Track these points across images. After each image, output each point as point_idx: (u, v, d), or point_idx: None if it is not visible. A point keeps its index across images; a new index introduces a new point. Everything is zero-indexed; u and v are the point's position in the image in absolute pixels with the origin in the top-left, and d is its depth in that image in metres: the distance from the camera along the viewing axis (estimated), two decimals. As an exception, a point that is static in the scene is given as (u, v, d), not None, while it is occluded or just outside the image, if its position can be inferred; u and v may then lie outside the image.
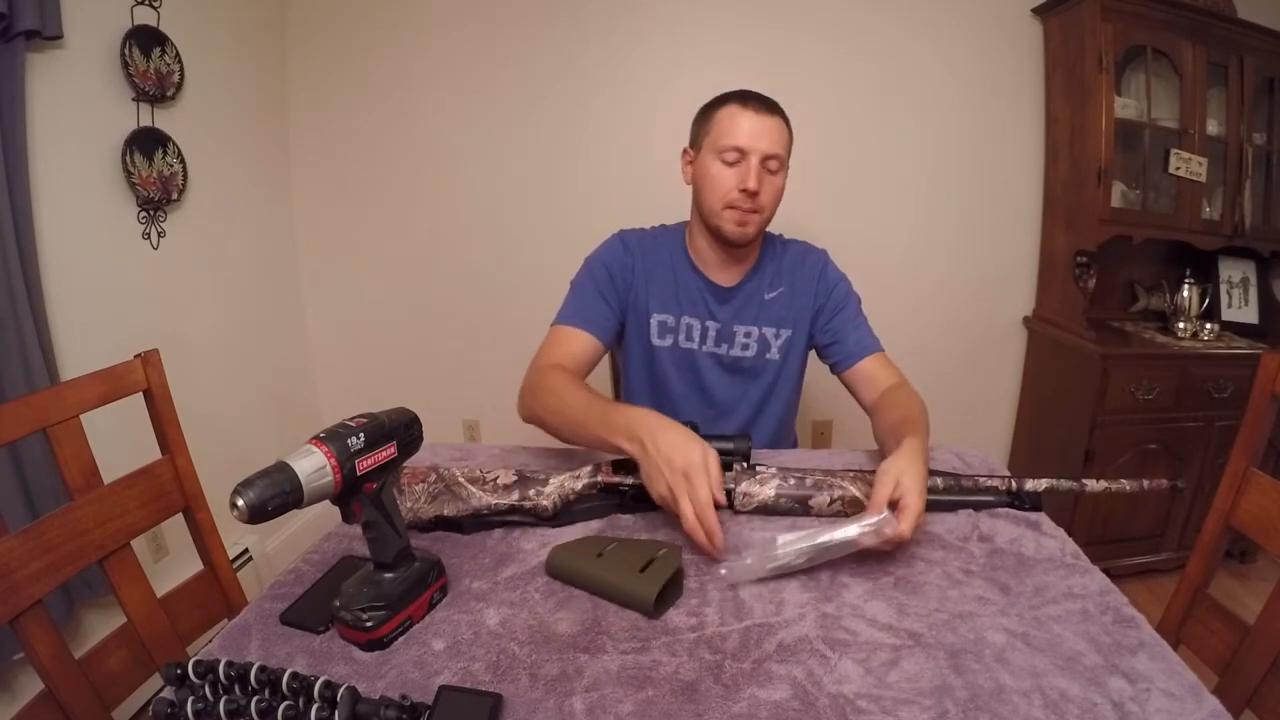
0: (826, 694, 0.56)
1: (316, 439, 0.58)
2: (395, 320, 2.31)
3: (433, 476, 0.84)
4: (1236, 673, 0.79)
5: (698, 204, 1.11)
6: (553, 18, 2.03)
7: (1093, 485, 0.82)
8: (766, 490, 0.84)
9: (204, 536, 0.93)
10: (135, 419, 0.90)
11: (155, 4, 1.59)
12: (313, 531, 1.29)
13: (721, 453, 0.84)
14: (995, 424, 2.29)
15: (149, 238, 1.63)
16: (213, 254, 1.84)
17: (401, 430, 0.65)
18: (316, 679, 0.53)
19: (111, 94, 1.52)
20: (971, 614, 0.67)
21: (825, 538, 0.70)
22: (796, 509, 0.85)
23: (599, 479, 0.86)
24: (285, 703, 0.52)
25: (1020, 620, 0.66)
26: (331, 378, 2.37)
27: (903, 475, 0.74)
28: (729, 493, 0.85)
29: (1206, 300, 1.98)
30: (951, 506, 0.86)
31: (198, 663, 0.55)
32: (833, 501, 0.84)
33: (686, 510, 0.72)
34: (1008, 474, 0.91)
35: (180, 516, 0.92)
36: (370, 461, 0.61)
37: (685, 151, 1.13)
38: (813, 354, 1.23)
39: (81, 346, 1.44)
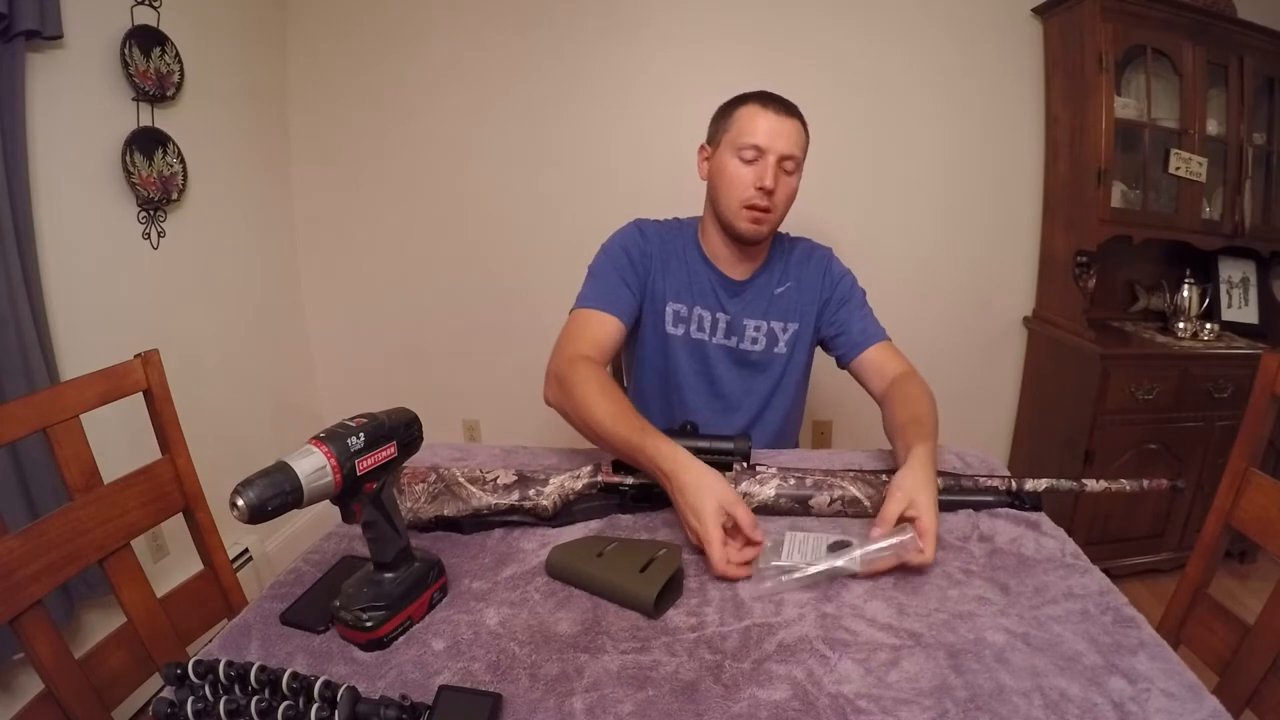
0: (826, 694, 0.56)
1: (316, 439, 0.58)
2: (395, 320, 2.31)
3: (433, 476, 0.84)
4: (1236, 673, 0.79)
5: (713, 200, 1.12)
6: (553, 17, 2.03)
7: (1093, 485, 0.82)
8: (766, 490, 0.84)
9: (204, 536, 0.93)
10: (135, 419, 0.90)
11: (155, 4, 1.59)
12: (313, 531, 1.29)
13: (721, 453, 0.85)
14: (995, 424, 2.29)
15: (149, 238, 1.63)
16: (213, 254, 1.84)
17: (401, 430, 0.65)
18: (316, 679, 0.53)
19: (111, 94, 1.52)
20: (971, 614, 0.67)
21: (851, 557, 0.71)
22: (796, 509, 0.85)
23: (599, 479, 0.86)
24: (285, 703, 0.52)
25: (1020, 620, 0.66)
26: (331, 378, 2.37)
27: (917, 493, 0.74)
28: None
29: (1206, 300, 1.98)
30: (951, 506, 0.86)
31: (198, 663, 0.55)
32: (833, 501, 0.84)
33: (715, 556, 0.72)
34: (1008, 474, 0.91)
35: (180, 516, 0.92)
36: (370, 461, 0.61)
37: (702, 147, 1.14)
38: (819, 353, 1.23)
39: (81, 346, 1.44)
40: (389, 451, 0.63)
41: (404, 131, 2.14)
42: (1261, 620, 0.78)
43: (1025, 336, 2.19)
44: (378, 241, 2.24)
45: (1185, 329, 1.93)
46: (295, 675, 0.53)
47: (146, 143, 1.59)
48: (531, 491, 0.83)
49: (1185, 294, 1.95)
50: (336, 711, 0.51)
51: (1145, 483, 0.83)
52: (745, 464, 0.86)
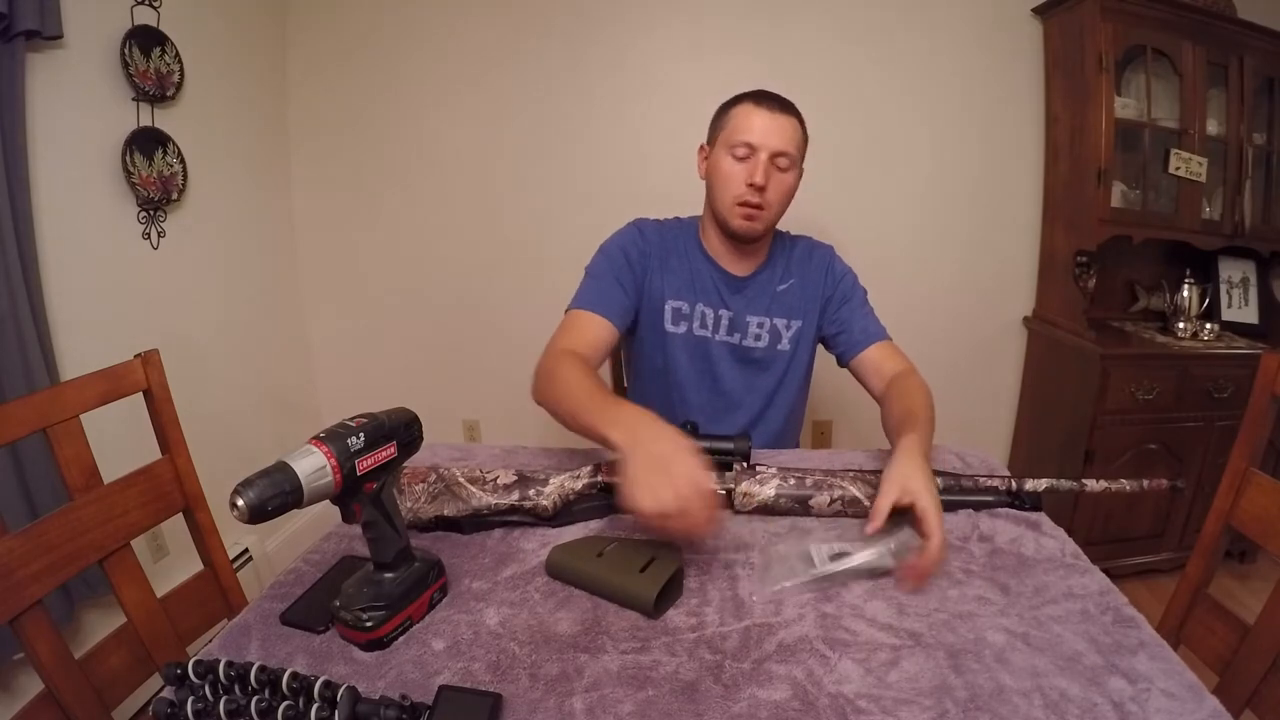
0: (826, 694, 0.56)
1: (316, 439, 0.58)
2: (395, 320, 2.31)
3: (433, 476, 0.84)
4: (1236, 673, 0.79)
5: (710, 199, 1.13)
6: (554, 16, 2.03)
7: (1093, 485, 0.82)
8: (766, 490, 0.84)
9: (204, 536, 0.93)
10: (135, 419, 0.90)
11: (155, 4, 1.59)
12: (313, 531, 1.29)
13: (721, 453, 0.85)
14: (995, 424, 2.29)
15: (149, 238, 1.63)
16: (213, 254, 1.84)
17: (401, 430, 0.65)
18: (316, 679, 0.53)
19: (111, 94, 1.52)
20: (971, 614, 0.67)
21: (857, 563, 0.71)
22: (796, 509, 0.85)
23: (599, 479, 0.86)
24: (285, 703, 0.52)
25: (1020, 620, 0.66)
26: (331, 378, 2.37)
27: (908, 480, 0.74)
28: (729, 493, 0.85)
29: (1206, 300, 1.98)
30: (951, 506, 0.86)
31: (198, 663, 0.55)
32: (833, 501, 0.84)
33: (668, 496, 0.65)
34: (1008, 474, 0.91)
35: (180, 516, 0.92)
36: (370, 461, 0.61)
37: (702, 148, 1.15)
38: (820, 352, 1.23)
39: (81, 346, 1.44)
40: (389, 451, 0.63)
41: (404, 131, 2.14)
42: (1261, 620, 0.78)
43: (1025, 336, 2.19)
44: (378, 241, 2.24)
45: (1185, 329, 1.93)
46: (295, 675, 0.53)
47: (146, 143, 1.59)
48: (531, 491, 0.83)
49: (1185, 294, 1.95)
50: (336, 711, 0.51)
51: (1145, 483, 0.83)
52: (745, 464, 0.86)
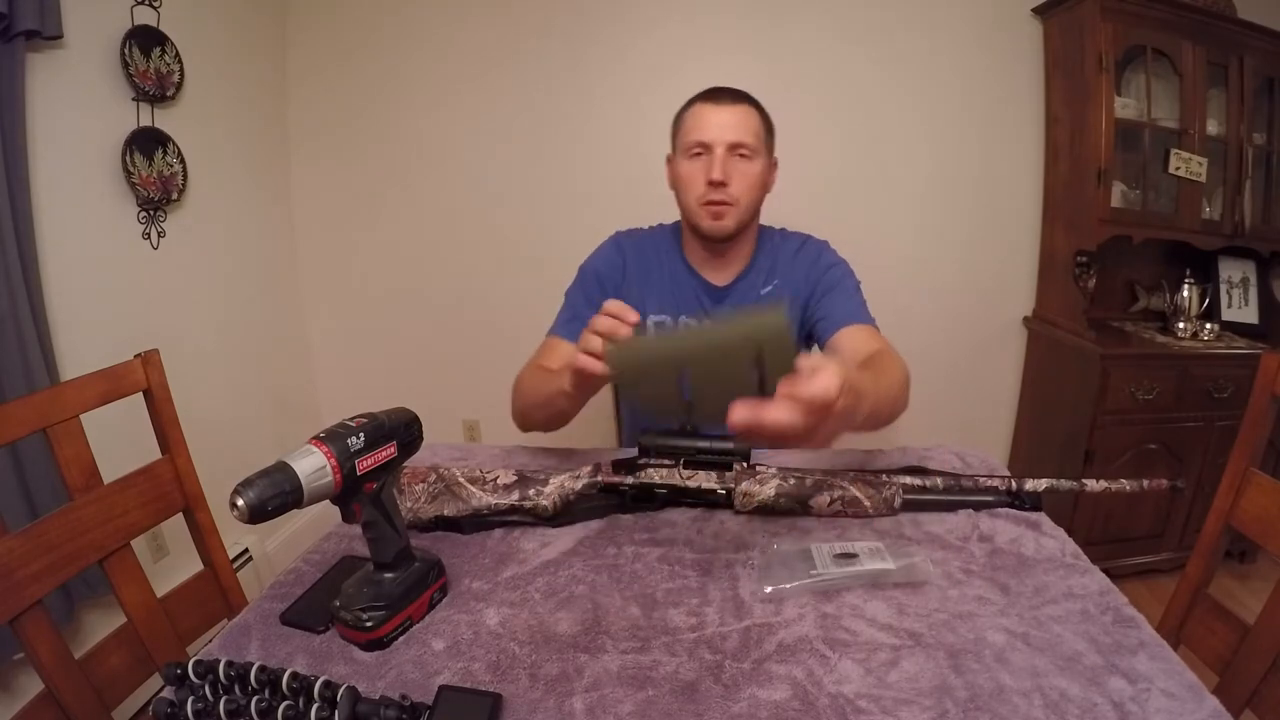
0: (826, 694, 0.56)
1: (316, 439, 0.58)
2: (395, 320, 2.31)
3: (433, 476, 0.84)
4: (1236, 673, 0.79)
5: (679, 206, 1.12)
6: (554, 17, 2.03)
7: (1093, 485, 0.82)
8: (766, 490, 0.84)
9: (204, 536, 0.93)
10: (135, 419, 0.90)
11: (155, 4, 1.59)
12: (313, 531, 1.29)
13: (721, 453, 0.85)
14: (995, 424, 2.29)
15: (149, 238, 1.63)
16: (213, 254, 1.84)
17: (401, 430, 0.65)
18: (316, 679, 0.53)
19: (111, 94, 1.52)
20: (971, 614, 0.67)
21: (863, 569, 0.71)
22: (796, 509, 0.85)
23: (599, 479, 0.86)
24: (285, 703, 0.52)
25: (1020, 620, 0.66)
26: (331, 378, 2.37)
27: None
28: (729, 492, 0.85)
29: (1206, 300, 1.98)
30: (951, 506, 0.86)
31: (198, 663, 0.55)
32: (833, 501, 0.84)
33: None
34: (1008, 474, 0.91)
35: (180, 516, 0.92)
36: (370, 461, 0.61)
37: (668, 158, 1.13)
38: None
39: (81, 346, 1.44)
40: (389, 451, 0.63)
41: (404, 131, 2.14)
42: (1261, 620, 0.78)
43: (1025, 336, 2.19)
44: (378, 241, 2.24)
45: (1185, 329, 1.93)
46: (295, 675, 0.53)
47: (146, 143, 1.59)
48: (531, 491, 0.83)
49: (1185, 294, 1.95)
50: (336, 711, 0.51)
51: (1145, 483, 0.82)
52: (745, 464, 0.86)
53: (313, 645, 0.64)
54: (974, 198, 2.11)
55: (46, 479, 1.27)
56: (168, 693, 0.55)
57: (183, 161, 1.68)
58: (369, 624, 0.62)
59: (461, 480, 0.84)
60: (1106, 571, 0.75)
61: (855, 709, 0.55)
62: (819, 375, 0.48)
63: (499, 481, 0.84)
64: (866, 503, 0.83)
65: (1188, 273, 1.97)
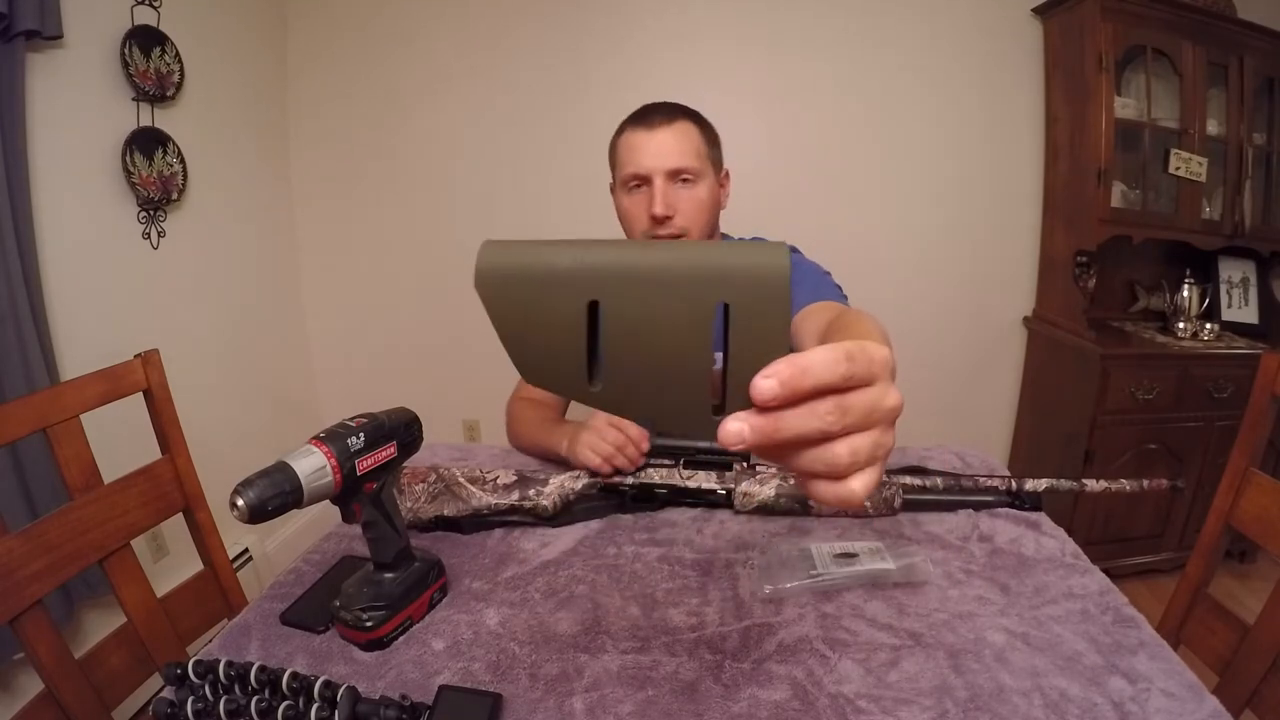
0: (826, 694, 0.56)
1: (316, 439, 0.58)
2: (395, 320, 2.31)
3: (433, 476, 0.84)
4: (1236, 673, 0.79)
5: None
6: (555, 19, 2.03)
7: (1093, 485, 0.82)
8: (766, 490, 0.84)
9: (204, 536, 0.93)
10: (135, 419, 0.90)
11: (155, 4, 1.59)
12: (313, 531, 1.30)
13: (721, 453, 0.85)
14: (995, 424, 2.29)
15: (149, 238, 1.63)
16: (213, 254, 1.84)
17: (401, 430, 0.65)
18: (316, 679, 0.53)
19: (111, 94, 1.52)
20: (971, 614, 0.67)
21: (862, 569, 0.71)
22: (796, 509, 0.85)
23: (599, 479, 0.86)
24: (285, 703, 0.52)
25: (1020, 620, 0.66)
26: (331, 378, 2.37)
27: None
28: (729, 492, 0.85)
29: (1206, 300, 1.98)
30: (951, 506, 0.86)
31: (198, 663, 0.55)
32: (833, 501, 0.84)
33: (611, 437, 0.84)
34: (1008, 474, 0.91)
35: (180, 516, 0.92)
36: (370, 461, 0.61)
37: (611, 188, 1.06)
38: None
39: (81, 346, 1.44)
40: (389, 451, 0.63)
41: (404, 131, 2.14)
42: (1261, 620, 0.78)
43: (1025, 336, 2.19)
44: (378, 241, 2.24)
45: (1185, 329, 1.93)
46: (295, 675, 0.53)
47: (146, 143, 1.59)
48: (531, 491, 0.83)
49: (1185, 294, 1.95)
50: (336, 711, 0.51)
51: (1145, 483, 0.82)
52: (745, 464, 0.86)
53: (313, 645, 0.64)
54: (974, 198, 2.11)
55: (46, 479, 1.27)
56: (168, 693, 0.55)
57: (183, 161, 1.68)
58: (369, 624, 0.62)
59: (461, 480, 0.84)
60: (1106, 571, 0.75)
61: (855, 709, 0.55)
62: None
63: (499, 481, 0.84)
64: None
65: (1188, 273, 1.97)
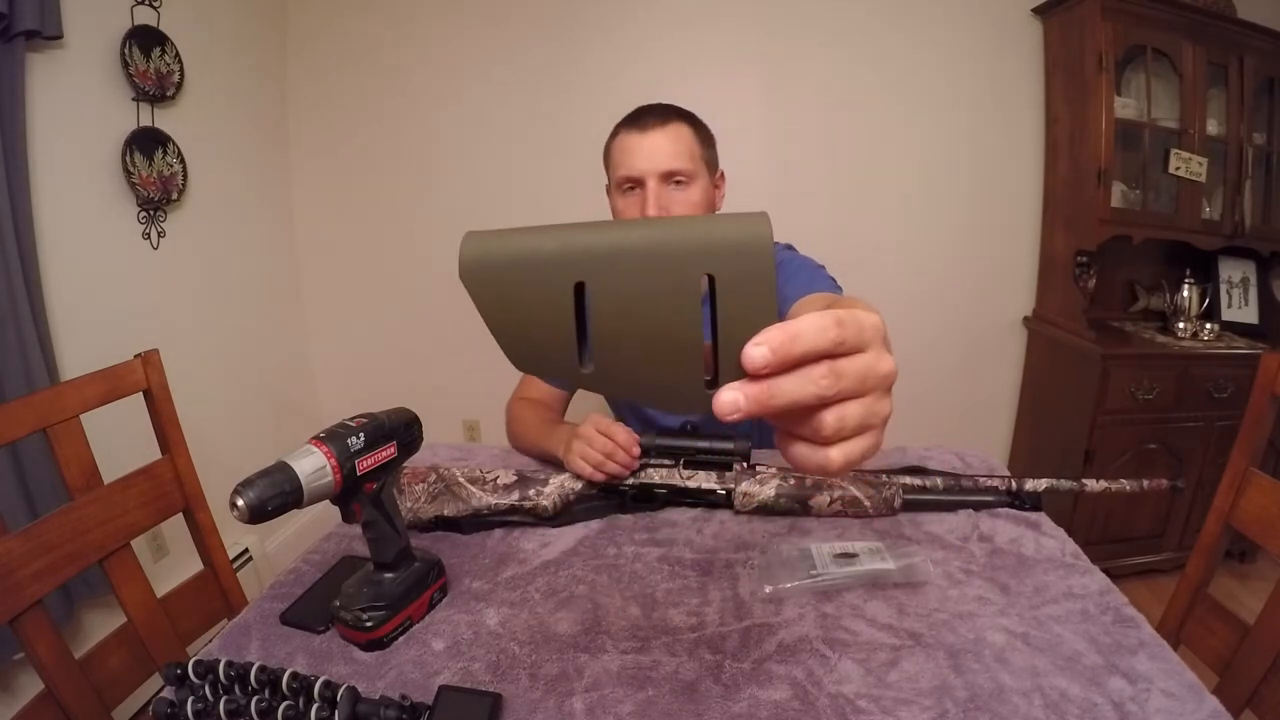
0: (826, 694, 0.56)
1: (316, 439, 0.58)
2: (395, 320, 2.31)
3: (433, 476, 0.84)
4: (1236, 673, 0.79)
5: None
6: (555, 20, 2.03)
7: (1093, 485, 0.82)
8: (766, 490, 0.84)
9: (204, 536, 0.93)
10: (135, 419, 0.90)
11: (155, 4, 1.59)
12: (313, 531, 1.30)
13: (721, 453, 0.84)
14: (995, 424, 2.29)
15: (149, 238, 1.63)
16: (213, 254, 1.84)
17: (401, 430, 0.65)
18: (316, 679, 0.53)
19: (111, 94, 1.52)
20: (971, 614, 0.67)
21: (862, 569, 0.71)
22: (796, 509, 0.85)
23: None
24: (285, 703, 0.52)
25: (1020, 620, 0.66)
26: (331, 378, 2.37)
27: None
28: (729, 492, 0.85)
29: (1206, 300, 1.98)
30: (951, 506, 0.86)
31: (198, 663, 0.55)
32: (832, 501, 0.84)
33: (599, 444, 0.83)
34: (1008, 474, 0.91)
35: (180, 516, 0.92)
36: (370, 461, 0.61)
37: (607, 189, 1.07)
38: None
39: (81, 346, 1.44)
40: (389, 451, 0.63)
41: (404, 131, 2.14)
42: (1261, 620, 0.78)
43: (1025, 336, 2.19)
44: (378, 241, 2.24)
45: (1185, 329, 1.93)
46: (295, 675, 0.53)
47: (146, 143, 1.59)
48: (531, 491, 0.84)
49: (1185, 294, 1.95)
50: (336, 711, 0.51)
51: (1145, 483, 0.83)
52: (745, 464, 0.86)
53: (313, 645, 0.64)
54: (974, 198, 2.11)
55: (46, 479, 1.27)
56: (168, 693, 0.55)
57: (183, 161, 1.68)
58: (369, 624, 0.62)
59: (461, 480, 0.84)
60: (1106, 571, 0.75)
61: (855, 709, 0.55)
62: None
63: (499, 481, 0.84)
64: (866, 503, 0.84)
65: (1188, 273, 1.97)
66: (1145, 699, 0.55)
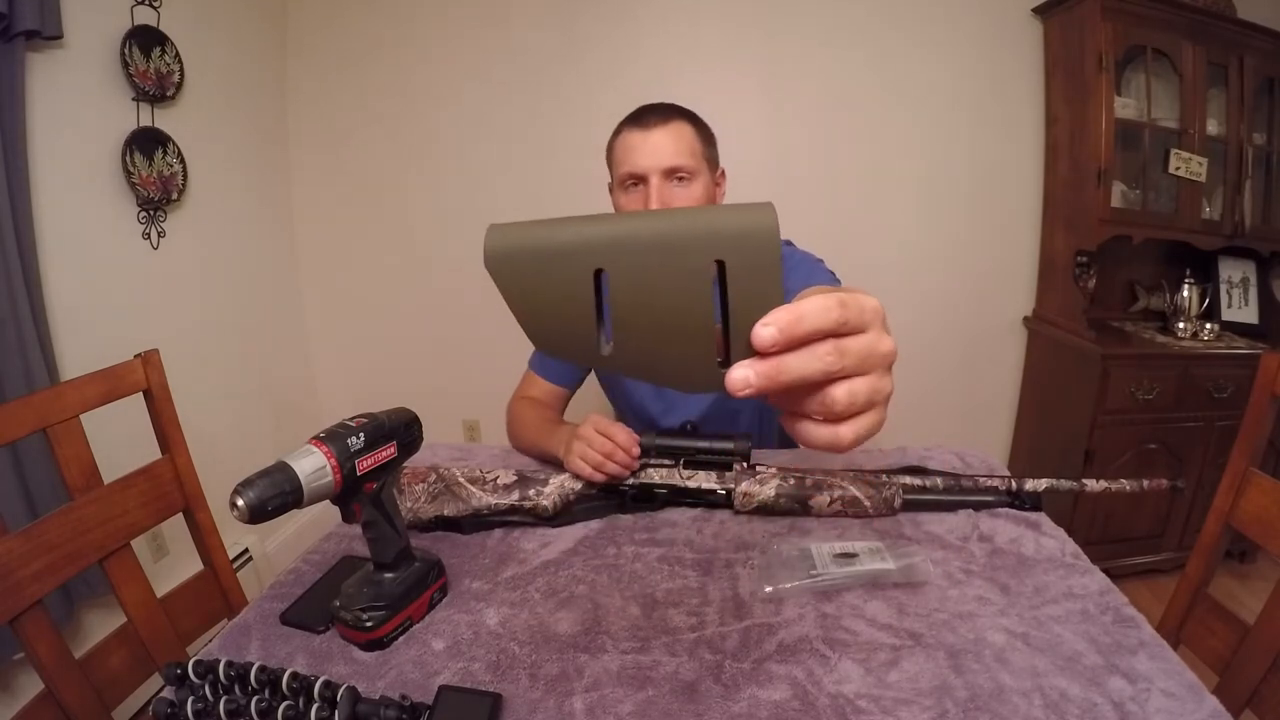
0: (826, 694, 0.56)
1: (316, 439, 0.58)
2: (395, 320, 2.31)
3: (433, 476, 0.84)
4: (1236, 673, 0.79)
5: None
6: (555, 19, 2.03)
7: (1093, 485, 0.82)
8: (766, 490, 0.84)
9: (204, 536, 0.93)
10: (135, 419, 0.90)
11: (155, 4, 1.59)
12: (313, 531, 1.30)
13: (721, 453, 0.85)
14: (995, 424, 2.29)
15: (149, 238, 1.63)
16: (213, 254, 1.84)
17: (401, 430, 0.65)
18: (316, 679, 0.53)
19: (111, 94, 1.52)
20: (971, 614, 0.67)
21: (862, 569, 0.71)
22: (796, 509, 0.85)
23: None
24: (285, 703, 0.52)
25: (1020, 620, 0.66)
26: (331, 378, 2.37)
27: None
28: (729, 492, 0.85)
29: (1206, 300, 1.98)
30: (951, 506, 0.86)
31: (198, 663, 0.55)
32: (832, 501, 0.84)
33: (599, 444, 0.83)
34: (1008, 474, 0.91)
35: (180, 516, 0.92)
36: (370, 461, 0.61)
37: (609, 187, 1.08)
38: None
39: (81, 346, 1.44)
40: (389, 451, 0.63)
41: (404, 131, 2.14)
42: (1261, 620, 0.78)
43: (1025, 336, 2.19)
44: (378, 241, 2.24)
45: (1185, 329, 1.93)
46: (295, 675, 0.53)
47: (146, 143, 1.59)
48: (531, 491, 0.84)
49: (1185, 294, 1.95)
50: (336, 711, 0.51)
51: (1145, 483, 0.83)
52: (745, 464, 0.86)
53: (313, 645, 0.64)
54: (974, 198, 2.11)
55: (46, 479, 1.27)
56: (168, 693, 0.55)
57: (183, 161, 1.68)
58: (369, 624, 0.62)
59: (461, 480, 0.84)
60: (1106, 571, 0.75)
61: (855, 709, 0.55)
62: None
63: (499, 481, 0.84)
64: (866, 503, 0.83)
65: (1188, 273, 1.97)
66: (1145, 699, 0.55)
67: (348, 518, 0.62)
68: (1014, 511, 0.85)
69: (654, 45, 2.04)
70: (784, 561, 0.74)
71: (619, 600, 0.70)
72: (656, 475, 0.86)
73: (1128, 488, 0.82)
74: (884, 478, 0.85)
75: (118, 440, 0.97)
